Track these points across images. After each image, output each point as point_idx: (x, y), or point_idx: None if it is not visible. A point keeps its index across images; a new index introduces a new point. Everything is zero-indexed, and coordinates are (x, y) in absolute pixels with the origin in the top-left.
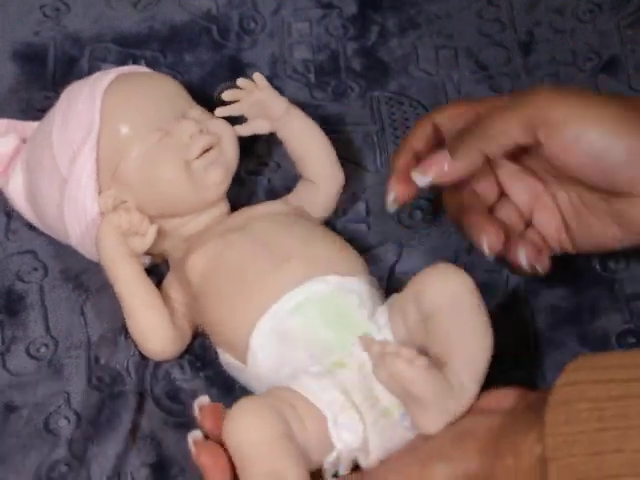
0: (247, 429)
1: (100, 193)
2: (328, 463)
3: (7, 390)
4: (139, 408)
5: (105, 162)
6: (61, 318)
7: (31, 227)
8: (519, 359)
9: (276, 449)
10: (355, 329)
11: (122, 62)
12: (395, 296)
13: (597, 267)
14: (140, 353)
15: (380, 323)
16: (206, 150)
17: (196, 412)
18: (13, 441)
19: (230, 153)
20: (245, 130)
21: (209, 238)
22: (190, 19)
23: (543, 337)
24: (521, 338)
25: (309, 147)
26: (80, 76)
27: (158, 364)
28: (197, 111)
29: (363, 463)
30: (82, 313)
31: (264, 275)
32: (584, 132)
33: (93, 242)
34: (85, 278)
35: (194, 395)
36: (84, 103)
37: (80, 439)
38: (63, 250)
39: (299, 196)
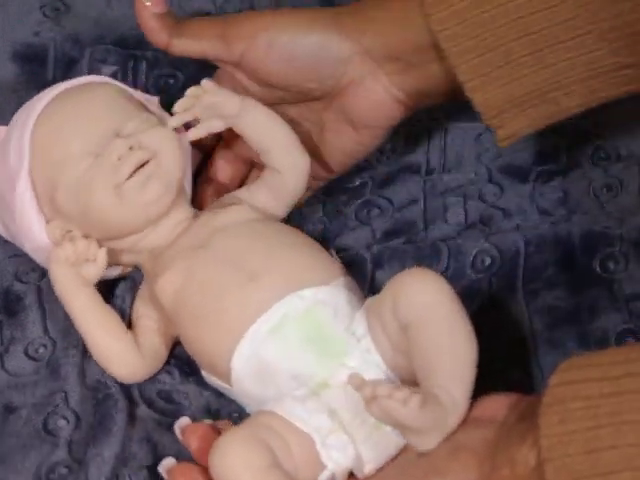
0: (233, 463)
1: (48, 222)
2: None
3: (6, 391)
4: (132, 410)
5: (42, 192)
6: (59, 318)
7: None
8: (517, 359)
9: None
10: (333, 346)
11: (123, 63)
12: (371, 300)
13: (596, 268)
14: None
15: (359, 333)
16: (142, 165)
17: (178, 434)
18: (13, 441)
19: (169, 164)
20: (197, 133)
21: (175, 257)
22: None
23: (542, 337)
24: (519, 338)
25: (269, 137)
26: (80, 75)
27: None
28: (134, 123)
29: (359, 475)
30: None
31: (236, 297)
32: (276, 37)
33: None
34: None
35: (186, 396)
36: (18, 131)
37: (79, 440)
38: None
39: (266, 186)
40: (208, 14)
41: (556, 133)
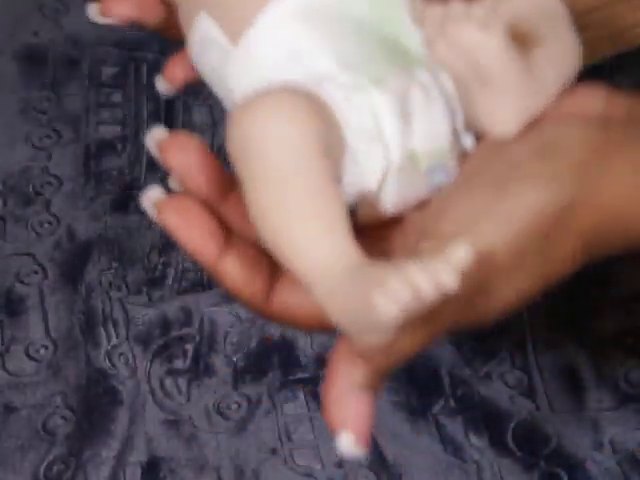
0: (282, 125)
1: None
2: None
3: (6, 391)
4: (133, 407)
5: None
6: (61, 321)
7: (27, 228)
8: (515, 361)
9: (322, 158)
10: (407, 52)
11: (123, 64)
12: None
13: (594, 268)
14: (133, 352)
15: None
16: None
17: (152, 150)
18: (12, 442)
19: None
20: None
21: None
22: None
23: (540, 338)
24: (517, 339)
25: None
26: (80, 76)
27: (152, 363)
28: None
29: (366, 209)
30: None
31: None
32: None
33: None
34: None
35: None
36: None
37: (77, 439)
38: (61, 253)
39: None
40: None
41: None
